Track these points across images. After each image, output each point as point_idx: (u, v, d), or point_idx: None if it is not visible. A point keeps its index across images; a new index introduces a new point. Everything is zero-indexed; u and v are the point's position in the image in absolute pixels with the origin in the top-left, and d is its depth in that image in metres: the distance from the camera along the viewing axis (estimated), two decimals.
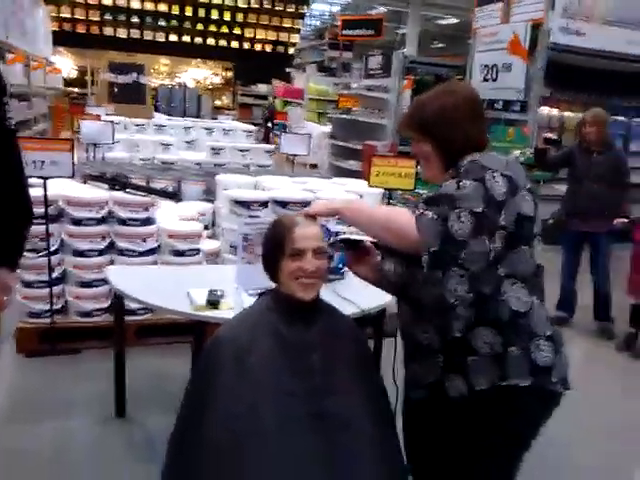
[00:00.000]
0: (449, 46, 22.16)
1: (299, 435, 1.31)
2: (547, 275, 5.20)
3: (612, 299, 4.29)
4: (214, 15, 18.02)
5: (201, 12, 17.62)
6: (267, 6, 18.47)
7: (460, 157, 1.43)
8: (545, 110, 6.85)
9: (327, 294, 2.13)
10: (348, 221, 1.47)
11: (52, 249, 3.16)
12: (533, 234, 1.43)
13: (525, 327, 1.39)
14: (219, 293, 2.20)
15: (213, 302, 2.14)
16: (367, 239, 1.53)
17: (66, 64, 17.68)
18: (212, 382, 1.37)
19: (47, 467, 2.34)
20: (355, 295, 2.23)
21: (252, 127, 8.39)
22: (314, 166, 11.25)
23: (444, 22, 20.32)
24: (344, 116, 9.70)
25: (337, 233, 1.55)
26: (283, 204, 3.44)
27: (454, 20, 19.01)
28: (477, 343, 1.37)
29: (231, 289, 2.32)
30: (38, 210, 3.11)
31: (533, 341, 1.39)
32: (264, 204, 3.46)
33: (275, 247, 1.45)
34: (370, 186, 3.57)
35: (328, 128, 11.19)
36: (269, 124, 14.50)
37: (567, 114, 7.13)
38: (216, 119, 10.15)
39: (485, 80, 6.78)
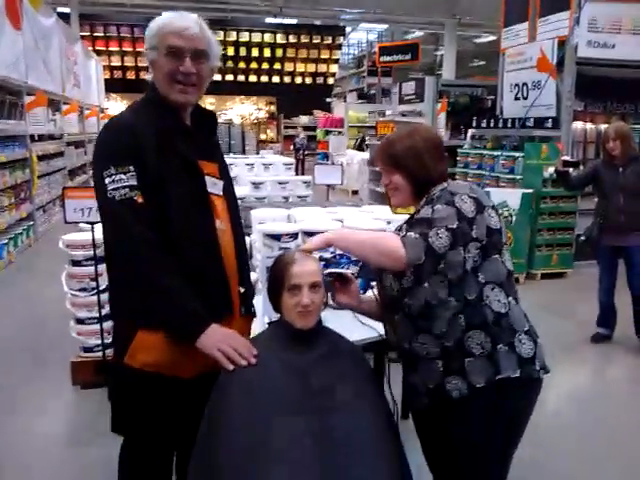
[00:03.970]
0: (489, 63, 22.13)
1: (304, 451, 1.42)
2: (586, 291, 5.20)
3: None
4: (255, 53, 18.73)
5: (242, 51, 18.36)
6: (305, 40, 19.04)
7: (425, 187, 1.67)
8: (579, 125, 6.82)
9: (348, 319, 2.27)
10: (340, 248, 1.68)
11: (101, 288, 3.43)
12: (502, 243, 1.63)
13: (507, 325, 1.60)
14: None
15: None
16: (347, 271, 1.80)
17: (118, 110, 18.70)
18: (223, 406, 1.53)
19: None
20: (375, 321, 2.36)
21: (292, 160, 8.67)
22: (355, 192, 11.44)
23: (481, 40, 20.32)
24: (380, 142, 9.87)
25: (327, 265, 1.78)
26: (312, 234, 3.61)
27: (491, 37, 19.01)
28: (471, 346, 1.57)
29: (259, 317, 2.49)
30: (87, 252, 3.43)
31: (516, 336, 1.60)
32: (294, 235, 3.64)
33: (276, 282, 1.65)
34: (394, 213, 3.70)
35: (368, 155, 11.41)
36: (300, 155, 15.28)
37: (604, 126, 7.06)
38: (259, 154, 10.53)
39: (516, 99, 6.82)
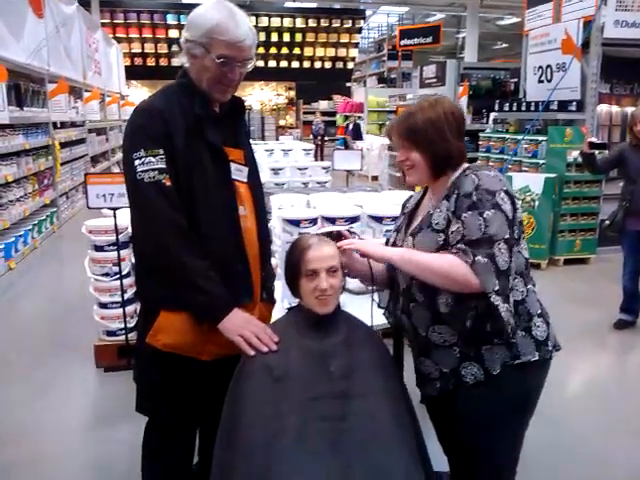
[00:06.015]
0: (512, 46, 21.73)
1: (321, 434, 1.43)
2: (609, 277, 5.17)
3: None
4: (274, 37, 18.63)
5: (261, 36, 18.26)
6: (324, 24, 18.86)
7: (444, 166, 1.59)
8: (605, 107, 6.66)
9: (367, 304, 2.27)
10: (403, 270, 1.61)
11: (124, 273, 3.47)
12: (522, 233, 1.60)
13: (524, 312, 1.60)
14: None
15: None
16: (341, 228, 1.78)
17: (139, 96, 18.79)
18: (245, 389, 1.54)
19: (125, 469, 2.60)
20: None
21: (311, 145, 8.65)
22: (375, 178, 11.38)
23: (504, 22, 19.93)
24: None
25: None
26: (332, 220, 3.60)
27: (514, 19, 18.64)
28: (490, 333, 1.55)
29: (278, 303, 2.50)
30: (110, 238, 3.47)
31: (532, 321, 1.61)
32: (313, 221, 3.63)
33: (293, 268, 1.64)
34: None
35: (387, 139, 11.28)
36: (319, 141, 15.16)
37: (631, 109, 6.89)
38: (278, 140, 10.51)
39: (540, 81, 6.69)
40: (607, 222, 4.23)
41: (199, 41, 1.65)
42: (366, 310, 1.99)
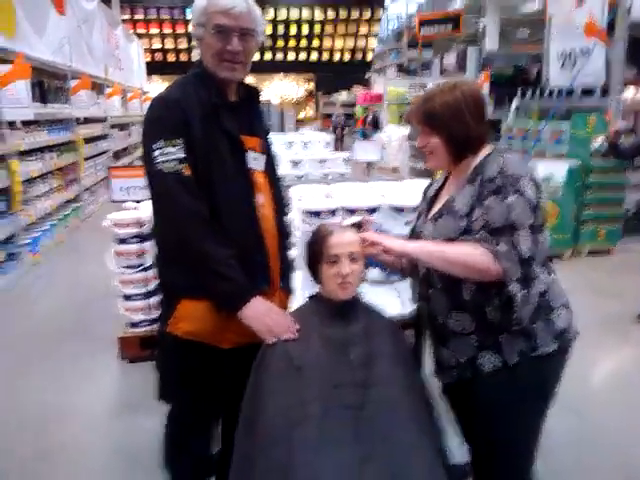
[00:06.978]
0: (535, 32, 21.29)
1: (342, 422, 1.43)
2: (634, 268, 5.08)
3: None
4: (293, 30, 18.59)
5: (280, 29, 18.25)
6: (343, 15, 18.75)
7: (464, 149, 1.57)
8: (630, 93, 6.52)
9: (389, 293, 2.27)
10: (422, 262, 1.62)
11: (147, 265, 3.52)
12: (545, 222, 1.57)
13: (546, 303, 1.57)
14: None
15: None
16: (359, 218, 1.80)
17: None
18: (266, 378, 1.55)
19: (148, 456, 2.64)
20: None
21: (330, 137, 8.61)
22: (395, 169, 11.30)
23: (525, 8, 19.53)
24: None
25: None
26: (351, 211, 3.59)
27: (537, 5, 18.26)
28: (509, 322, 1.53)
29: (298, 292, 2.51)
30: (133, 230, 3.51)
31: (554, 311, 1.57)
32: (333, 212, 3.63)
33: (314, 254, 1.65)
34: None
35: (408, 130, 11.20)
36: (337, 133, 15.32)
37: None
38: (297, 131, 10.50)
39: (563, 68, 6.57)
40: (633, 211, 4.16)
41: (199, 22, 1.69)
42: (385, 301, 1.99)
